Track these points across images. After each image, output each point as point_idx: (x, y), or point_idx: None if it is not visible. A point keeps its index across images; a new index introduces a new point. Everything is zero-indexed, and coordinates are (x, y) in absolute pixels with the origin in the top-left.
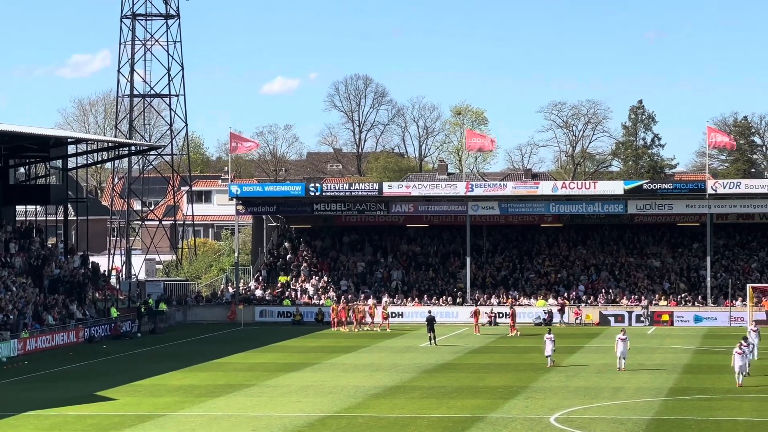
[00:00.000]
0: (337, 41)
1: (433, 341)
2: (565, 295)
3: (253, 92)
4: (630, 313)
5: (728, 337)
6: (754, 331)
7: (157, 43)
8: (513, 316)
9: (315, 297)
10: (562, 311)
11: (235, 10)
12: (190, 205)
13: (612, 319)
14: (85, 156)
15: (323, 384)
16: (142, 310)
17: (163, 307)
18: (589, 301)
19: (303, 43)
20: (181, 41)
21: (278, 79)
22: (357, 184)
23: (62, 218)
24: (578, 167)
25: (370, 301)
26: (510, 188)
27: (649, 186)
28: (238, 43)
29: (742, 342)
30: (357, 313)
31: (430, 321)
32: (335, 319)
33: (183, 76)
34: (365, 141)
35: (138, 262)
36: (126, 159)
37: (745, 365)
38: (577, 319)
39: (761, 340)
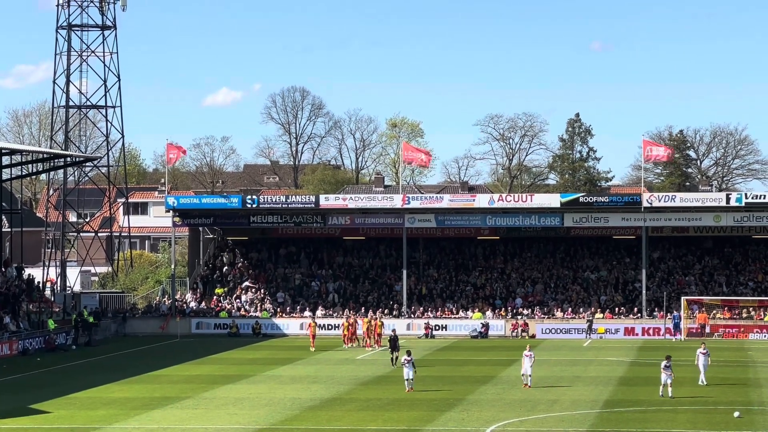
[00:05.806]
0: (276, 54)
1: (394, 362)
2: (502, 308)
3: (195, 104)
4: (567, 326)
5: (663, 349)
6: (703, 354)
7: (93, 54)
8: (349, 327)
9: (251, 309)
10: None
11: (183, 21)
12: (126, 216)
13: (549, 331)
14: (19, 167)
15: (260, 396)
16: (77, 321)
17: (91, 319)
18: (526, 314)
19: (246, 55)
20: (117, 52)
21: (223, 91)
22: (294, 197)
23: None
24: (515, 180)
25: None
26: (446, 201)
27: (586, 199)
28: (182, 55)
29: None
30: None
31: (394, 340)
32: (365, 337)
33: (120, 88)
34: (302, 153)
35: (73, 274)
36: (61, 170)
37: (668, 381)
38: (513, 332)
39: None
